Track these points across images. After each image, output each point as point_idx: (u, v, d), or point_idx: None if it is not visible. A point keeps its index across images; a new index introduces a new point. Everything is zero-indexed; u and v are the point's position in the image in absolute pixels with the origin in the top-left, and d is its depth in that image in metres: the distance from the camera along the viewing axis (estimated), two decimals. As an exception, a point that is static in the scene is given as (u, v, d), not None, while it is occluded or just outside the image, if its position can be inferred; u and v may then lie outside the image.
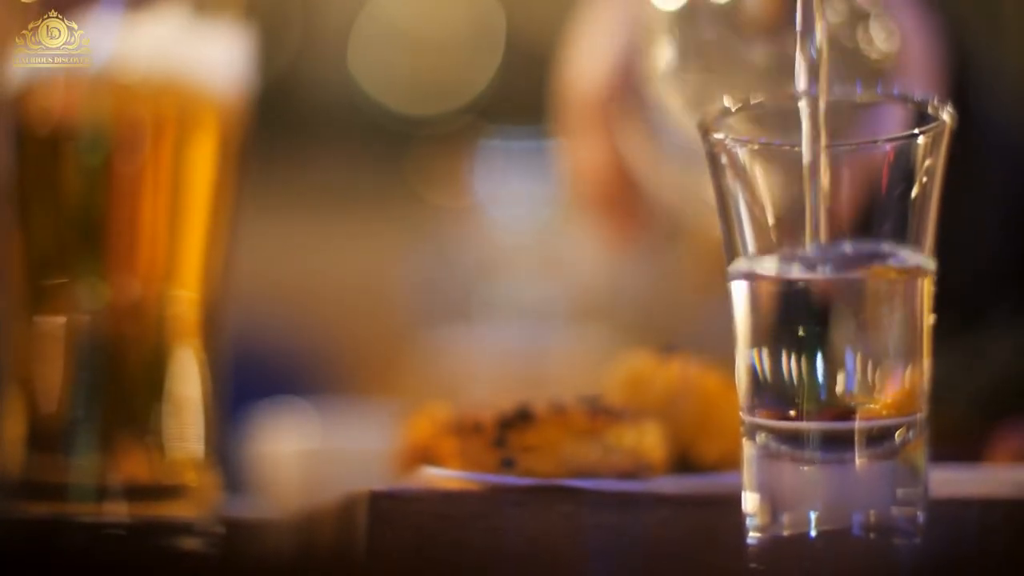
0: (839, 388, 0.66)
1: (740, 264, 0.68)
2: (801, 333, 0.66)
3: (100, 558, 0.66)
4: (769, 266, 0.67)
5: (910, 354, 0.67)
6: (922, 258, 0.67)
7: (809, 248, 0.66)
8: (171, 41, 0.93)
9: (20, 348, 0.92)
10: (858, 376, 0.66)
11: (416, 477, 0.81)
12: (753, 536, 0.67)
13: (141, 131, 0.93)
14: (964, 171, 0.72)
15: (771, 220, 0.67)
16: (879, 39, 0.84)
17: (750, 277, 0.68)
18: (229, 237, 0.96)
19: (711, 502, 0.73)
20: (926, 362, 0.67)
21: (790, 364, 0.67)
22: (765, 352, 0.67)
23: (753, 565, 0.67)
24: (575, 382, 1.70)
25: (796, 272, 0.66)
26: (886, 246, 0.67)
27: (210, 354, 0.95)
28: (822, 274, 0.66)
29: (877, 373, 0.66)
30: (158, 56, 0.92)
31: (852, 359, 0.66)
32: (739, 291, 0.68)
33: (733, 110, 0.68)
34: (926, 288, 0.67)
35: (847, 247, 0.66)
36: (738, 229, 0.68)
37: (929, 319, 0.67)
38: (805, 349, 0.66)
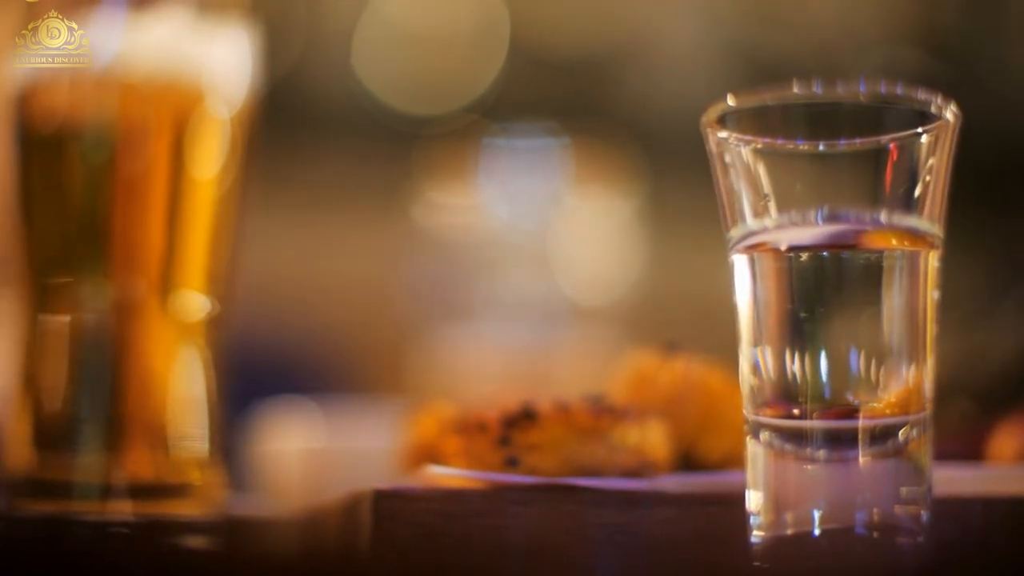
0: (843, 386, 0.66)
1: (741, 231, 0.68)
2: (803, 315, 0.66)
3: (105, 556, 0.66)
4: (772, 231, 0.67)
5: (914, 343, 0.66)
6: (926, 223, 0.67)
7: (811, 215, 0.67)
8: (175, 40, 0.93)
9: (25, 347, 0.92)
10: (861, 373, 0.66)
11: (420, 475, 0.81)
12: (757, 534, 0.67)
13: (145, 130, 0.93)
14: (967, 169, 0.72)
15: (774, 216, 0.67)
16: None
17: (751, 249, 0.68)
18: (233, 236, 0.97)
19: (715, 500, 0.73)
20: (930, 358, 0.67)
21: (793, 361, 0.67)
22: (768, 349, 0.67)
23: (757, 563, 0.67)
24: (579, 381, 1.70)
25: (797, 232, 0.66)
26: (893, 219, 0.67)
27: (214, 352, 0.95)
28: (823, 229, 0.66)
29: (881, 370, 0.66)
30: (162, 55, 0.92)
31: (856, 354, 0.66)
32: (741, 269, 0.68)
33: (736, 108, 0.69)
34: (931, 265, 0.67)
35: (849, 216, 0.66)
36: (740, 225, 0.68)
37: (934, 301, 0.67)
38: (808, 343, 0.66)
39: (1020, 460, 0.89)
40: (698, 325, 1.24)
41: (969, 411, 1.11)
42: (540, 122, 2.34)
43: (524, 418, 0.75)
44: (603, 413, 0.75)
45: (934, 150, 0.67)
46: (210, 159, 0.95)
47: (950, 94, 0.67)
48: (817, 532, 0.66)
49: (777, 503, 0.67)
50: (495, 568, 0.67)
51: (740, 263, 0.69)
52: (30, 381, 0.92)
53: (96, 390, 0.91)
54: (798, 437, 0.66)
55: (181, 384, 0.93)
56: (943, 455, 0.71)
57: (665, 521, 0.73)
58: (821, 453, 0.66)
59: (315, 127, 2.72)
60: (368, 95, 2.80)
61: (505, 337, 1.95)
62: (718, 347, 0.80)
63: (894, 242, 0.67)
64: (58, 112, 0.92)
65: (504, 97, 2.79)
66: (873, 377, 0.66)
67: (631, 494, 0.73)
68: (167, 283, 0.93)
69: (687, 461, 0.80)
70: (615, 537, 0.72)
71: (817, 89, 0.67)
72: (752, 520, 0.67)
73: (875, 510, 0.65)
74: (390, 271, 2.30)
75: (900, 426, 0.66)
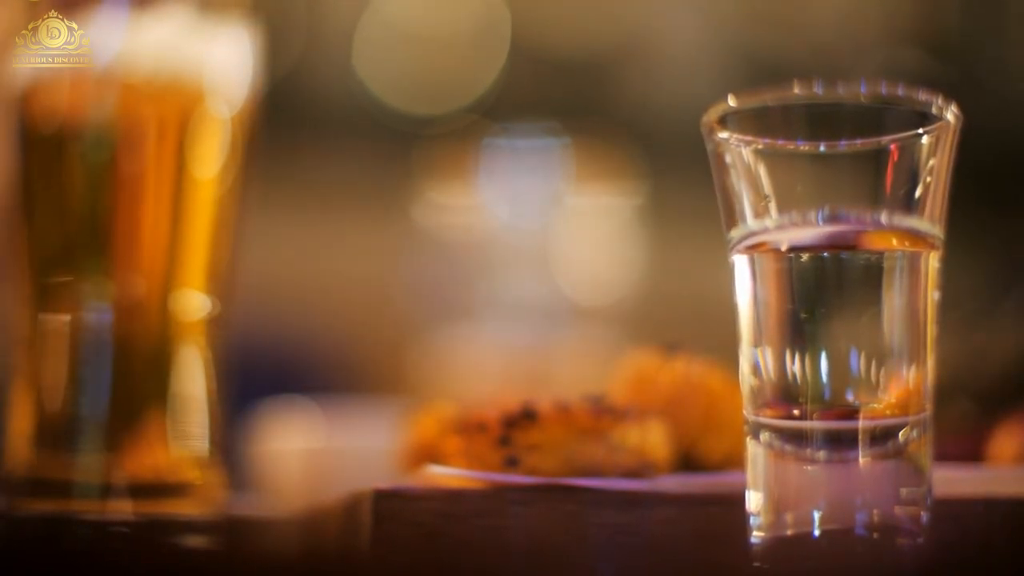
0: (843, 387, 0.66)
1: (742, 231, 0.68)
2: (803, 315, 0.66)
3: (105, 556, 0.66)
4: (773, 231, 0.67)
5: (914, 344, 0.66)
6: (926, 224, 0.67)
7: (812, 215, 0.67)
8: (176, 40, 0.93)
9: (26, 346, 0.92)
10: (862, 374, 0.66)
11: (420, 476, 0.81)
12: (757, 535, 0.67)
13: (146, 130, 0.93)
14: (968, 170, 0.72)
15: (774, 217, 0.67)
16: None
17: (752, 249, 0.68)
18: (234, 235, 0.97)
19: (715, 501, 0.73)
20: (930, 359, 0.67)
21: (793, 362, 0.67)
22: (768, 350, 0.67)
23: (757, 564, 0.67)
24: (579, 381, 1.70)
25: (797, 233, 0.66)
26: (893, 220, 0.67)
27: (214, 352, 0.95)
28: (823, 230, 0.66)
29: (881, 371, 0.66)
30: (163, 55, 0.92)
31: (856, 355, 0.66)
32: (741, 269, 0.68)
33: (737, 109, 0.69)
34: (931, 266, 0.67)
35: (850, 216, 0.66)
36: (741, 225, 0.68)
37: (934, 302, 0.67)
38: (808, 344, 0.66)
39: (1020, 461, 0.89)
40: (698, 325, 1.24)
41: (969, 412, 1.11)
42: (541, 122, 2.34)
43: (524, 418, 0.75)
44: (603, 413, 0.75)
45: (935, 151, 0.67)
46: (210, 159, 0.95)
47: (951, 95, 0.67)
48: (817, 533, 0.66)
49: (777, 504, 0.67)
50: (495, 568, 0.67)
51: (740, 263, 0.69)
52: (30, 381, 0.92)
53: (96, 390, 0.91)
54: (798, 438, 0.66)
55: (181, 383, 0.93)
56: (943, 456, 0.71)
57: (665, 522, 0.73)
58: (821, 454, 0.66)
59: (316, 127, 2.72)
60: (369, 95, 2.80)
61: (505, 337, 1.95)
62: (718, 347, 0.80)
63: (895, 243, 0.67)
64: (59, 112, 0.92)
65: (505, 97, 2.79)
66: (873, 378, 0.66)
67: (631, 494, 0.73)
68: (167, 282, 0.93)
69: (687, 461, 0.80)
70: (615, 537, 0.72)
71: (818, 90, 0.67)
72: (752, 521, 0.67)
73: (875, 511, 0.65)
74: (390, 271, 2.30)
75: (900, 427, 0.66)
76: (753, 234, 0.68)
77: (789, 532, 0.66)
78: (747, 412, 0.68)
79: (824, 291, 0.67)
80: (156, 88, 0.93)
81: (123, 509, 0.89)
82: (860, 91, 0.67)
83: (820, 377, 0.66)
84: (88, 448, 0.90)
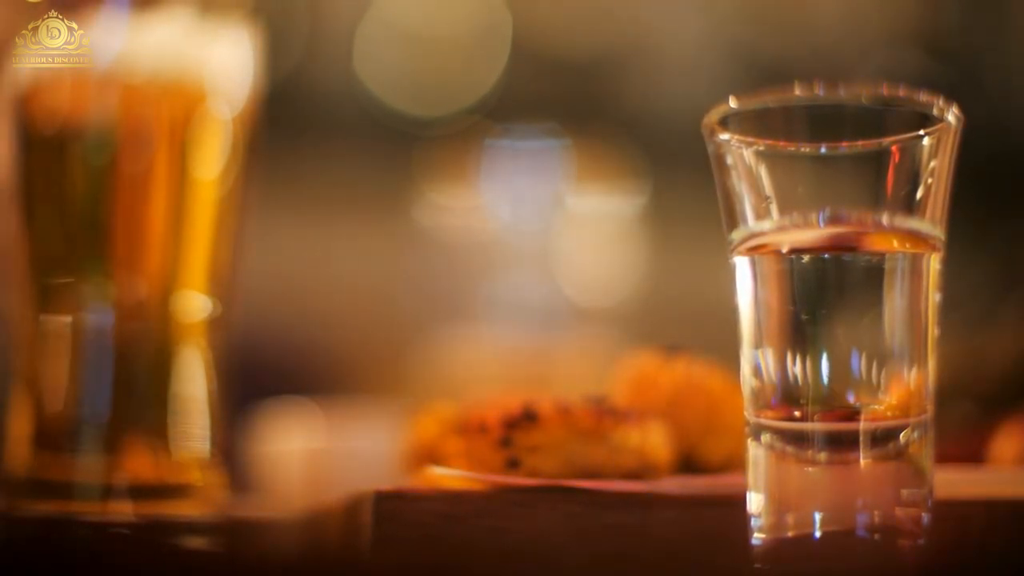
0: (844, 388, 0.66)
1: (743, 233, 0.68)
2: (804, 317, 0.66)
3: (105, 556, 0.66)
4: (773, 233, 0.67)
5: (915, 345, 0.66)
6: (928, 225, 0.67)
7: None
8: (177, 41, 0.93)
9: (26, 347, 0.92)
10: (863, 375, 0.66)
11: (421, 477, 0.81)
12: (758, 536, 0.67)
13: (147, 131, 0.93)
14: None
15: (775, 219, 0.67)
16: None
17: (753, 251, 0.68)
18: (235, 237, 0.97)
19: (716, 503, 0.73)
20: (931, 360, 0.67)
21: (795, 364, 0.67)
22: (769, 351, 0.67)
23: (758, 565, 0.67)
24: (580, 382, 1.70)
25: (798, 234, 0.66)
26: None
27: (215, 353, 0.95)
28: (824, 231, 0.66)
29: (882, 372, 0.66)
30: (165, 56, 0.92)
31: (857, 356, 0.66)
32: (742, 271, 0.68)
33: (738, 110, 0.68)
34: (932, 267, 0.67)
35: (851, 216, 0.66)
36: (742, 227, 0.68)
37: (935, 304, 0.67)
38: (809, 345, 0.66)
39: (1021, 462, 0.89)
40: (699, 327, 1.24)
41: (970, 413, 1.11)
42: (542, 123, 2.34)
43: (525, 419, 0.75)
44: (604, 415, 0.75)
45: (936, 152, 0.67)
46: (212, 160, 0.95)
47: (952, 96, 0.67)
48: (818, 534, 0.66)
49: (778, 505, 0.67)
50: (496, 570, 0.67)
51: (741, 265, 0.69)
52: (30, 381, 0.92)
53: (96, 390, 0.91)
54: (799, 439, 0.66)
55: (182, 385, 0.93)
56: (944, 457, 0.71)
57: (666, 523, 0.73)
58: (822, 455, 0.66)
59: (317, 128, 2.72)
60: (370, 96, 2.80)
61: (506, 338, 1.95)
62: (719, 349, 0.80)
63: (896, 244, 0.67)
64: (59, 112, 0.92)
65: (506, 98, 2.78)
66: (874, 379, 0.66)
67: (632, 496, 0.73)
68: (168, 284, 0.93)
69: (688, 463, 0.80)
70: (616, 539, 0.72)
71: (819, 91, 0.67)
72: (753, 522, 0.67)
73: (876, 512, 0.65)
74: (391, 272, 2.30)
75: (901, 428, 0.66)
76: (754, 235, 0.68)
77: (790, 534, 0.66)
78: (748, 414, 0.68)
79: (825, 293, 0.67)
80: (157, 89, 0.93)
81: (124, 510, 0.89)
82: (861, 92, 0.67)
83: (821, 379, 0.66)
84: (89, 449, 0.90)
